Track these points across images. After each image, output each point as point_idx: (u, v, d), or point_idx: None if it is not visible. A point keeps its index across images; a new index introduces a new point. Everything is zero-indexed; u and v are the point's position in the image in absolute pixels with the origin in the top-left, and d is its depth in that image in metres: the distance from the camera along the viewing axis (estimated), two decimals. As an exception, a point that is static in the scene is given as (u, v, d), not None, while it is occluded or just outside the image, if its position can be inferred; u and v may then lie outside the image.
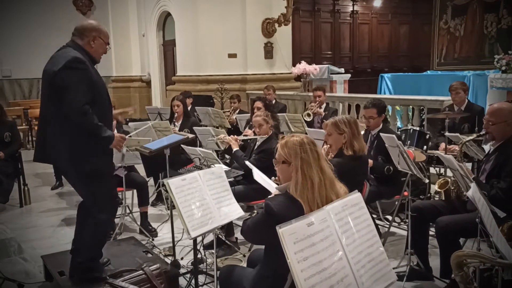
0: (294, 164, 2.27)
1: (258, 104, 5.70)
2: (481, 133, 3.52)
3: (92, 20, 3.33)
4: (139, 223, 4.94)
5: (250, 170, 3.16)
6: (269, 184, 2.78)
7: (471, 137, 3.66)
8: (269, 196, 2.38)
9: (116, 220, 4.88)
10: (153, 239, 4.72)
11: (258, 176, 3.11)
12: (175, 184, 2.78)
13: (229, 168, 4.05)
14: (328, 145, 3.67)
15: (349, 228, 1.81)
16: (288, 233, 1.59)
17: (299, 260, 1.57)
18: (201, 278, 3.66)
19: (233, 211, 2.96)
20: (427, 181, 3.98)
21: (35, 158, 3.26)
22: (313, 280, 1.57)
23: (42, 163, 3.36)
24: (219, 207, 2.90)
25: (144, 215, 4.96)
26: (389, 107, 7.70)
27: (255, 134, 4.66)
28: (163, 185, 4.91)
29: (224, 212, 2.90)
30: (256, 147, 4.58)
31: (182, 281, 3.70)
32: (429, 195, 5.23)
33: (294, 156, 2.28)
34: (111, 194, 3.38)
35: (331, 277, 1.62)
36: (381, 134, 3.98)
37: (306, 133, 4.90)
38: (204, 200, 2.86)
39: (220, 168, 3.16)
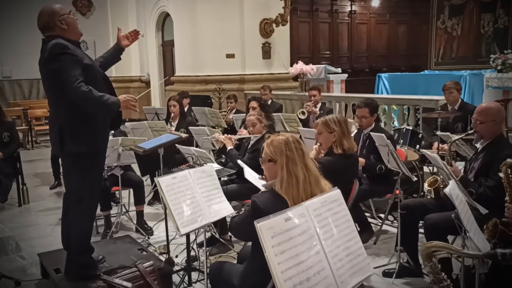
0: (280, 162, 2.34)
1: (253, 104, 5.75)
2: (469, 131, 3.58)
3: (44, 8, 3.30)
4: (135, 222, 5.00)
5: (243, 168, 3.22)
6: (259, 182, 2.84)
7: (459, 136, 3.71)
8: (255, 193, 2.44)
9: (113, 219, 4.97)
10: (148, 238, 4.78)
11: (249, 174, 3.17)
12: (165, 182, 2.84)
13: (221, 167, 4.11)
14: (319, 144, 3.73)
15: (328, 223, 1.88)
16: (266, 228, 1.66)
17: (276, 253, 1.64)
18: (195, 275, 3.73)
19: (223, 209, 3.02)
20: (415, 179, 4.03)
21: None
22: (290, 272, 1.64)
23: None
24: (209, 205, 2.96)
25: (140, 214, 5.02)
26: (385, 107, 7.77)
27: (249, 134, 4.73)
28: (159, 184, 4.97)
29: (214, 209, 2.96)
30: (249, 146, 4.64)
31: (176, 278, 3.76)
32: (422, 193, 5.28)
33: (280, 154, 2.35)
34: (96, 189, 3.44)
35: (308, 269, 1.68)
36: (371, 133, 4.04)
37: (299, 133, 4.97)
38: (194, 198, 2.92)
39: (211, 166, 3.22)
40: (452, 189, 2.29)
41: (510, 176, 2.56)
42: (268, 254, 1.62)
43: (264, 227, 1.65)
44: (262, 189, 2.59)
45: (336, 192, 2.05)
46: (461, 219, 2.14)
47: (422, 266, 1.59)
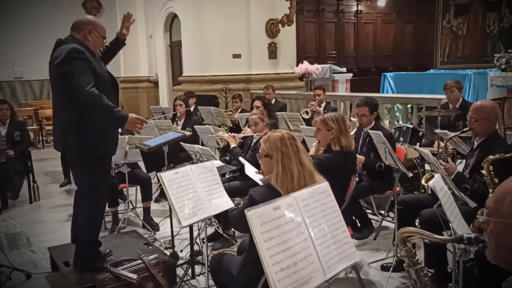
0: (275, 157, 2.46)
1: (257, 103, 5.88)
2: (464, 129, 3.67)
3: (90, 16, 3.53)
4: (142, 218, 5.13)
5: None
6: (257, 176, 2.96)
7: (455, 134, 3.80)
8: (253, 188, 2.56)
9: (120, 215, 5.12)
10: (155, 233, 4.91)
11: (250, 170, 3.30)
12: (167, 177, 2.98)
13: (224, 164, 4.24)
14: (317, 141, 3.84)
15: (315, 213, 2.00)
16: (256, 216, 1.78)
17: (265, 239, 1.76)
18: (198, 269, 3.85)
19: (224, 203, 3.15)
20: (410, 175, 4.13)
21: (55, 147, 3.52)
22: (278, 257, 1.76)
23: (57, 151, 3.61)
24: (210, 199, 3.09)
25: (147, 210, 5.15)
26: (390, 106, 7.86)
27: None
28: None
29: (215, 203, 3.09)
30: (252, 144, 4.76)
31: (180, 271, 3.88)
32: (423, 191, 5.36)
33: (275, 150, 2.47)
34: (103, 186, 3.55)
35: (295, 255, 1.80)
36: (369, 130, 4.14)
37: (299, 131, 5.08)
38: (196, 192, 3.05)
39: (212, 163, 3.35)
40: (436, 182, 2.39)
41: (492, 172, 2.65)
42: (258, 240, 1.75)
43: (254, 215, 1.78)
44: (260, 183, 2.71)
45: (325, 184, 2.16)
46: (445, 211, 2.24)
47: (398, 250, 1.69)
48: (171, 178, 2.99)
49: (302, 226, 1.89)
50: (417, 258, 1.57)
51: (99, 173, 3.44)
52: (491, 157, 2.71)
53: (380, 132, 3.92)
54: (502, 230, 1.28)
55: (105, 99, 3.15)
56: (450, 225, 2.31)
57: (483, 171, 2.60)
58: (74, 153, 3.36)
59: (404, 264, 1.59)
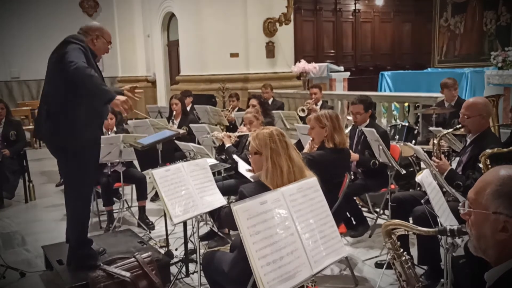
0: (265, 154, 2.46)
1: (253, 101, 5.88)
2: (457, 126, 3.67)
3: (96, 22, 3.58)
4: (137, 217, 5.13)
5: (242, 164, 3.34)
6: (248, 174, 2.96)
7: (447, 131, 3.80)
8: (243, 185, 2.56)
9: (115, 214, 5.12)
10: (150, 232, 4.91)
11: (242, 168, 3.29)
12: (159, 174, 2.98)
13: (217, 162, 4.24)
14: (311, 138, 3.84)
15: (303, 208, 2.00)
16: (242, 210, 1.78)
17: (251, 234, 1.76)
18: (192, 267, 3.85)
19: (216, 200, 3.15)
20: (403, 172, 4.13)
21: (35, 134, 3.53)
22: (264, 251, 1.76)
23: (38, 139, 3.62)
24: (202, 196, 3.09)
25: (142, 209, 5.14)
26: (386, 104, 7.87)
27: (249, 131, 4.83)
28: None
29: (207, 201, 3.09)
30: (247, 142, 4.75)
31: (175, 270, 3.87)
32: (418, 189, 5.36)
33: (264, 147, 2.47)
34: (89, 180, 3.55)
35: (281, 249, 1.81)
36: (363, 128, 4.14)
37: (295, 129, 5.07)
38: (187, 189, 3.05)
39: (204, 160, 3.35)
40: (424, 177, 2.39)
41: (489, 166, 2.65)
42: (244, 234, 1.75)
43: (240, 209, 1.78)
44: (252, 180, 2.70)
45: (312, 180, 2.17)
46: (433, 206, 2.24)
47: (384, 243, 1.70)
48: (162, 175, 2.99)
49: (289, 221, 1.89)
50: (401, 250, 1.57)
51: (78, 165, 3.37)
52: (488, 151, 2.71)
53: (373, 129, 3.92)
54: (482, 221, 1.29)
55: (98, 78, 3.08)
56: (437, 220, 2.31)
57: (480, 165, 2.59)
58: (49, 142, 3.35)
59: (389, 257, 1.59)
